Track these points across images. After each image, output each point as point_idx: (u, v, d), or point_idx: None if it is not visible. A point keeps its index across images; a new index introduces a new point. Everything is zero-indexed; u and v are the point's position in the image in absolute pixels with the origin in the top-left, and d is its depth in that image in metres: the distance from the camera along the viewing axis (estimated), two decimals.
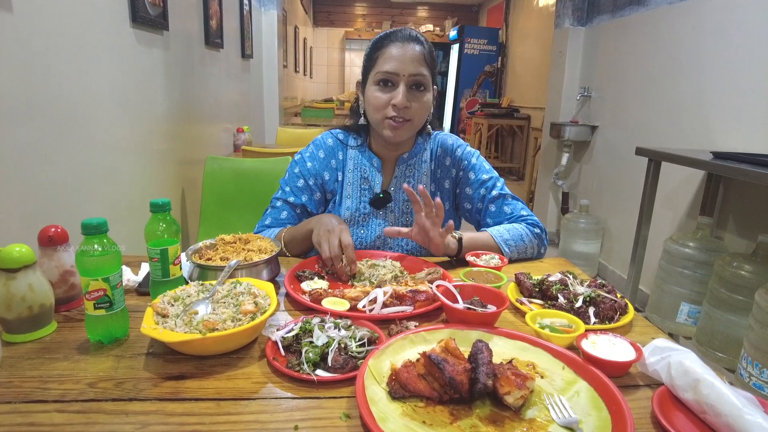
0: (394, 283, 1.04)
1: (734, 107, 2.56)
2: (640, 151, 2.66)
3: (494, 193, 1.38)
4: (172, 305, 0.85)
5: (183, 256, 1.06)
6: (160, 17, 2.05)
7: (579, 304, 0.97)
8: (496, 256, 1.20)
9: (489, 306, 0.91)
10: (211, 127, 2.99)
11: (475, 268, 1.12)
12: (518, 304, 1.00)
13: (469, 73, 8.17)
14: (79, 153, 1.55)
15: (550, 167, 4.49)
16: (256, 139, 4.11)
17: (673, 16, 3.00)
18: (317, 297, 0.96)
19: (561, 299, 0.99)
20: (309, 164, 1.39)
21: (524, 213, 1.37)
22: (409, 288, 0.99)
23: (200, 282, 0.94)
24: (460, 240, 1.25)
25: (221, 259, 1.06)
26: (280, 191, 1.40)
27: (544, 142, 4.67)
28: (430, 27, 10.59)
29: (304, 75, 8.77)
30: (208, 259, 1.07)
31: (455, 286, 0.95)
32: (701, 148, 2.69)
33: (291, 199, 1.37)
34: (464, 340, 0.85)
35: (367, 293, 0.97)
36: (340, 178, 1.40)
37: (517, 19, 7.65)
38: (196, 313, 0.82)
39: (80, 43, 1.54)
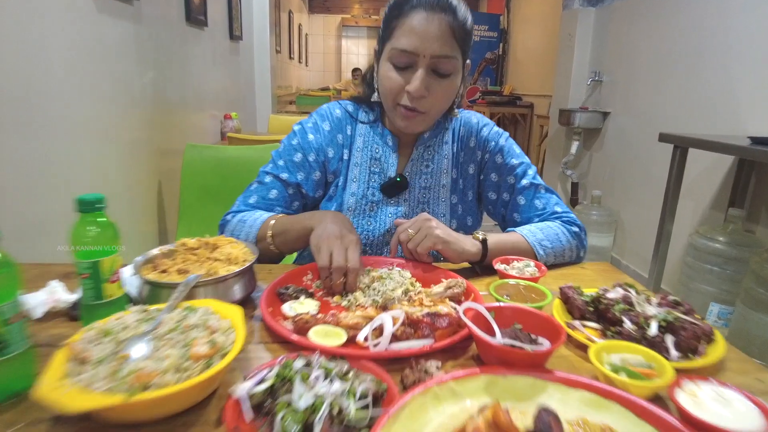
0: (405, 303, 0.79)
1: (765, 88, 2.31)
2: (664, 138, 2.42)
3: (524, 182, 1.13)
4: (99, 343, 0.60)
5: (128, 269, 0.82)
6: None
7: (653, 331, 0.72)
8: (532, 263, 0.96)
9: (538, 339, 0.67)
10: (194, 114, 2.72)
11: (508, 280, 0.88)
12: (570, 331, 0.76)
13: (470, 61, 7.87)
14: (30, 137, 1.29)
15: (558, 156, 4.24)
16: (247, 127, 3.84)
17: None
18: (303, 326, 0.72)
19: (627, 324, 0.75)
20: (311, 136, 1.14)
21: (559, 209, 1.13)
22: (426, 310, 0.74)
23: (143, 307, 0.69)
24: (484, 242, 1.00)
25: (179, 272, 0.81)
26: (271, 164, 1.14)
27: (551, 130, 4.42)
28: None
29: (300, 62, 8.47)
30: (163, 272, 0.82)
31: (489, 309, 0.71)
32: (728, 133, 2.45)
33: (284, 175, 1.12)
34: (507, 390, 0.60)
35: (369, 319, 0.72)
36: (346, 157, 1.15)
37: (519, 3, 7.36)
38: (128, 357, 0.58)
39: (27, 8, 1.27)
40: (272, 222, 1.03)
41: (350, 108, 1.18)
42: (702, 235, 2.38)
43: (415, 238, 0.96)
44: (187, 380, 0.54)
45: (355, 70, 8.95)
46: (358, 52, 11.12)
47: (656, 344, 0.71)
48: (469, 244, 0.99)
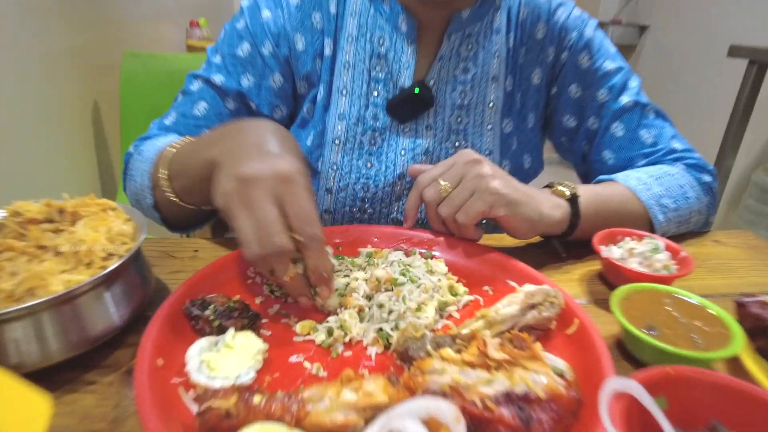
0: (448, 350, 0.37)
1: None
2: (735, 51, 1.94)
3: (624, 100, 0.70)
4: None
5: None
6: None
7: None
8: (661, 243, 0.53)
9: None
10: (144, 19, 2.16)
11: (641, 286, 0.46)
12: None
13: None
14: None
15: None
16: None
17: None
18: (218, 425, 0.30)
19: None
20: (266, 13, 0.69)
21: (678, 145, 0.71)
22: (496, 381, 0.33)
23: None
24: (573, 199, 0.58)
25: None
26: (204, 65, 0.72)
27: None
28: None
29: None
30: None
31: (653, 391, 0.30)
32: None
33: (218, 79, 0.69)
34: None
35: (373, 408, 0.31)
36: (328, 52, 0.70)
37: None
38: None
39: None
40: (172, 153, 0.59)
41: None
42: None
43: (453, 195, 0.54)
44: None
45: None
46: None
47: None
48: (548, 204, 0.57)
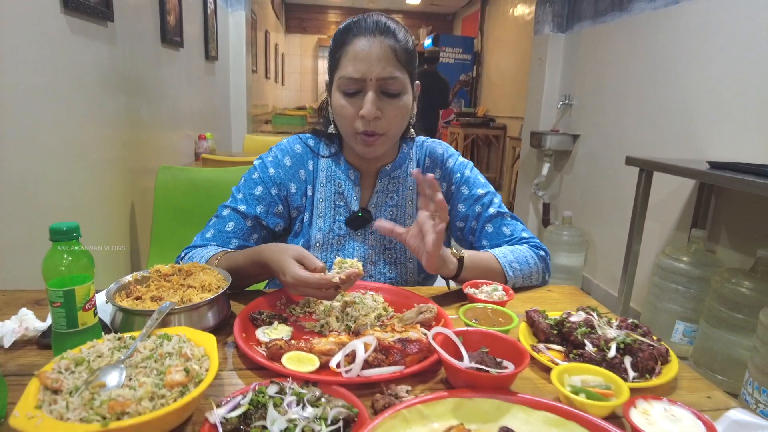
0: (378, 329, 0.81)
1: (722, 114, 2.44)
2: (630, 161, 2.52)
3: (491, 210, 1.17)
4: (72, 372, 0.61)
5: (102, 296, 0.82)
6: (102, 5, 1.79)
7: (612, 353, 0.76)
8: (500, 287, 0.99)
9: (503, 362, 0.70)
10: (168, 134, 2.72)
11: (478, 305, 0.91)
12: (536, 354, 0.79)
13: None
14: None
15: (530, 177, 4.35)
16: (222, 148, 3.84)
17: (656, 22, 2.89)
18: (276, 352, 0.73)
19: (588, 346, 0.79)
20: (272, 171, 1.15)
21: (526, 235, 1.17)
22: (397, 335, 0.77)
23: (117, 335, 0.70)
24: (461, 258, 1.03)
25: (152, 299, 0.81)
26: (230, 199, 1.14)
27: (523, 152, 4.53)
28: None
29: (276, 82, 8.50)
30: (137, 299, 0.82)
31: (457, 334, 0.74)
32: (687, 157, 2.57)
33: (242, 207, 1.11)
34: (474, 412, 0.63)
35: (342, 345, 0.74)
36: (309, 193, 1.16)
37: (493, 28, 7.58)
38: (103, 385, 0.58)
39: None
40: (218, 259, 1.01)
41: (311, 142, 1.19)
42: (668, 255, 2.47)
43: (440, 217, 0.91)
44: (163, 408, 0.55)
45: (326, 83, 9.01)
46: None
47: (615, 365, 0.75)
48: (450, 257, 1.01)
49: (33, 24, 1.43)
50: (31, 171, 1.46)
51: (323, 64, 11.11)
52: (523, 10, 6.27)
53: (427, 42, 8.58)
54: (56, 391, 0.58)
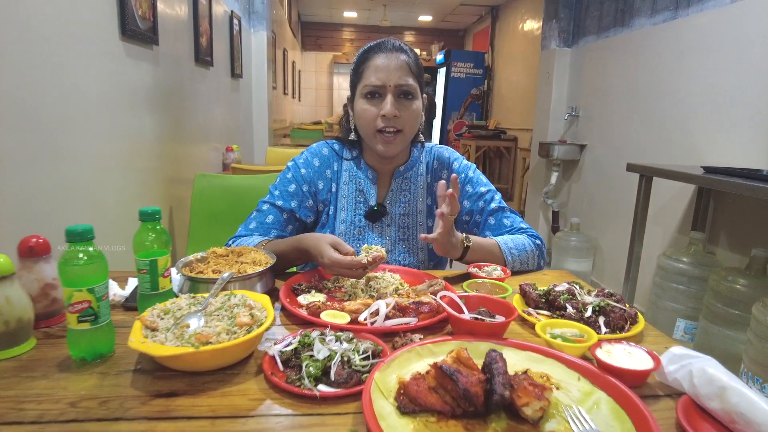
0: (396, 296, 0.99)
1: (718, 122, 2.60)
2: (631, 168, 2.67)
3: (493, 205, 1.35)
4: (162, 318, 0.80)
5: (173, 270, 1.01)
6: (150, 31, 2.02)
7: (588, 313, 0.93)
8: (499, 268, 1.17)
9: (497, 316, 0.87)
10: (199, 146, 2.94)
11: (478, 280, 1.08)
12: (525, 315, 0.96)
13: (456, 96, 8.26)
14: (63, 164, 1.50)
15: (540, 187, 4.51)
16: (246, 159, 4.07)
17: (656, 37, 3.06)
18: (315, 310, 0.92)
19: (570, 309, 0.96)
20: (303, 171, 1.35)
21: (524, 225, 1.35)
22: (412, 300, 0.94)
23: (191, 295, 0.89)
24: (466, 248, 1.21)
25: (213, 272, 1.00)
26: (268, 195, 1.34)
27: (532, 162, 4.69)
28: (417, 51, 10.72)
29: (293, 98, 8.79)
30: (200, 272, 1.01)
31: (460, 297, 0.91)
32: (688, 163, 2.72)
33: (279, 202, 1.31)
34: (473, 352, 0.80)
35: (367, 305, 0.92)
36: (334, 190, 1.36)
37: (503, 43, 7.79)
38: (188, 326, 0.77)
39: (69, 52, 1.50)
40: (264, 246, 1.20)
41: (336, 147, 1.39)
42: (668, 257, 2.61)
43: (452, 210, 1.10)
44: (236, 339, 0.73)
45: (346, 105, 9.28)
46: (348, 87, 11.49)
47: (591, 323, 0.92)
48: (457, 244, 1.19)
49: (96, 48, 1.66)
50: (87, 177, 1.66)
51: (338, 81, 11.42)
52: (531, 26, 6.47)
53: (439, 57, 8.82)
54: (153, 330, 0.76)
